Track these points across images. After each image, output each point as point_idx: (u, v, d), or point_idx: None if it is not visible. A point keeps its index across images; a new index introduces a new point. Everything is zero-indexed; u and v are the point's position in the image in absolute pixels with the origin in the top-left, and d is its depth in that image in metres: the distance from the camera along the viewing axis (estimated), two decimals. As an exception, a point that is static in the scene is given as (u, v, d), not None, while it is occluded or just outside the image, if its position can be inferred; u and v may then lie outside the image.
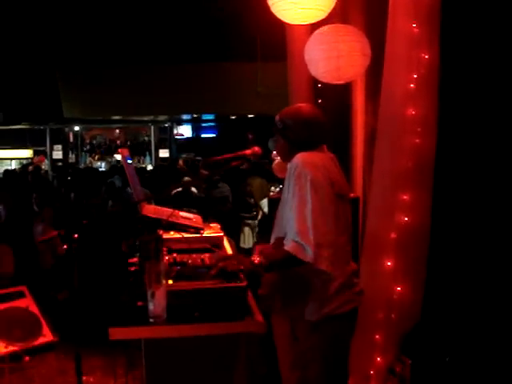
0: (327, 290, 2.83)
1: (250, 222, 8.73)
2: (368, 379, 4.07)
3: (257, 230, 8.54)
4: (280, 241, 2.88)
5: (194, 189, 8.94)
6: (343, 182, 3.00)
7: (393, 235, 3.84)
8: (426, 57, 3.76)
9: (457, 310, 3.90)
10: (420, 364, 3.85)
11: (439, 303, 4.00)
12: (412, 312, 3.96)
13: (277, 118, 3.05)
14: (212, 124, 23.19)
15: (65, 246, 5.38)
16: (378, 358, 4.04)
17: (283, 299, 2.96)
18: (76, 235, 2.70)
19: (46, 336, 5.63)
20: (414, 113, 3.75)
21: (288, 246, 2.76)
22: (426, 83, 3.77)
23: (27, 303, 5.80)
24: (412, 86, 3.75)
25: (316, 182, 2.75)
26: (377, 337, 4.02)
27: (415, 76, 3.76)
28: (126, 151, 3.34)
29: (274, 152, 8.36)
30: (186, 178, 8.96)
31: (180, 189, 8.76)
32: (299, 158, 2.84)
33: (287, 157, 3.00)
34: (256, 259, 2.75)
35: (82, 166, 19.59)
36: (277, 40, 6.08)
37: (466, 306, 3.89)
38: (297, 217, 2.74)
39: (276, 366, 3.28)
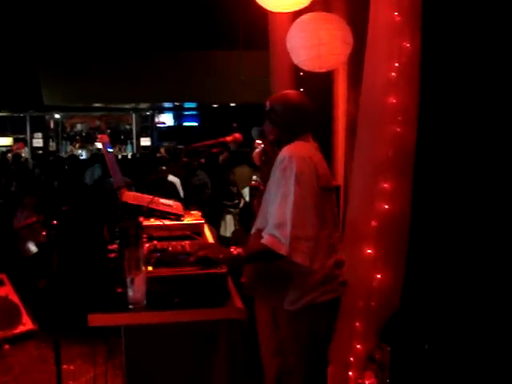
0: (307, 282, 2.84)
1: (232, 210, 8.72)
2: (348, 366, 4.10)
3: (237, 218, 8.54)
4: (260, 232, 2.89)
5: (172, 177, 8.88)
6: (328, 172, 3.01)
7: (373, 223, 3.84)
8: (408, 45, 3.75)
9: (436, 297, 3.93)
10: (399, 351, 3.88)
11: (419, 291, 4.02)
12: (392, 300, 3.97)
13: (266, 102, 3.06)
14: (194, 112, 23.10)
15: (44, 233, 5.33)
16: (358, 346, 4.06)
17: (264, 288, 2.97)
18: (55, 221, 2.68)
19: (26, 324, 5.62)
20: (394, 101, 3.75)
21: (265, 239, 2.77)
22: (407, 72, 3.77)
23: (6, 291, 5.78)
24: (393, 74, 3.75)
25: (300, 175, 2.75)
26: (357, 324, 4.03)
27: (396, 64, 3.76)
28: (105, 137, 3.32)
29: (258, 141, 8.36)
30: (163, 168, 8.90)
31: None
32: (286, 150, 2.85)
33: (275, 141, 3.02)
34: (234, 250, 2.74)
35: (62, 154, 19.42)
36: (260, 28, 6.06)
37: (446, 293, 3.92)
38: (277, 210, 2.76)
39: (257, 352, 3.29)
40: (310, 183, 2.78)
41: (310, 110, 3.05)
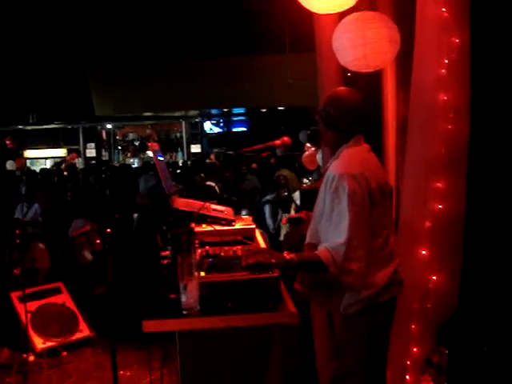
0: (365, 294, 2.82)
1: (284, 215, 8.70)
2: (404, 370, 4.03)
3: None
4: (311, 247, 2.89)
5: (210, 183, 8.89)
6: (382, 176, 2.97)
7: (427, 223, 3.78)
8: (457, 41, 3.68)
9: (494, 298, 3.84)
10: (457, 354, 3.80)
11: (476, 292, 3.93)
12: (448, 301, 3.90)
13: (320, 105, 3.04)
14: (243, 118, 23.18)
15: (98, 241, 5.43)
16: (415, 349, 3.99)
17: (319, 292, 2.94)
18: (109, 230, 2.72)
19: (83, 331, 5.72)
20: (445, 98, 3.68)
21: (320, 250, 2.75)
22: (458, 68, 3.70)
23: (64, 299, 5.90)
24: (443, 71, 3.68)
25: (353, 194, 2.74)
26: (413, 327, 3.97)
27: (446, 61, 3.69)
28: (155, 145, 3.36)
29: (308, 144, 8.35)
30: (201, 175, 8.94)
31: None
32: (335, 168, 2.83)
33: (329, 143, 3.02)
34: (288, 255, 2.73)
35: (115, 163, 19.75)
36: (305, 30, 6.03)
37: (504, 294, 3.82)
38: (334, 230, 2.76)
39: (311, 358, 3.26)
40: (362, 202, 2.76)
41: (362, 106, 2.99)
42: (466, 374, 3.75)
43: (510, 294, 3.80)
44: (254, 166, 10.39)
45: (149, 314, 2.49)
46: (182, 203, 3.11)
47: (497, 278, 3.89)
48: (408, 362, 4.02)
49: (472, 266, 3.93)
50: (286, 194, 8.72)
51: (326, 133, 3.03)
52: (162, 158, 3.45)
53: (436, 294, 3.87)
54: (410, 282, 3.79)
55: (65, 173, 13.00)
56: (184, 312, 2.47)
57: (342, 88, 3.18)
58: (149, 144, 3.28)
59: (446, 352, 3.82)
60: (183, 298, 2.46)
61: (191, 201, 3.19)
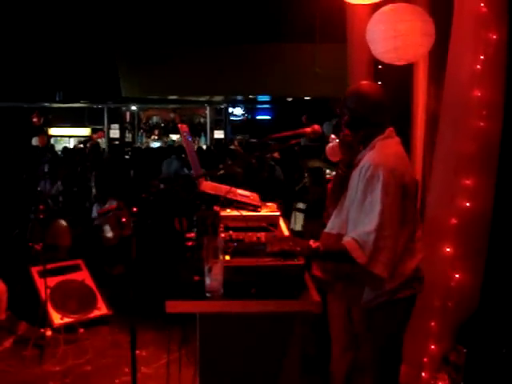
0: (389, 286, 2.79)
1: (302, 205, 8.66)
2: (421, 367, 4.01)
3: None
4: (338, 236, 2.87)
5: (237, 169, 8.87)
6: (413, 176, 2.94)
7: (453, 221, 3.74)
8: (494, 37, 3.64)
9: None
10: (476, 354, 3.77)
11: (498, 292, 3.89)
12: (470, 300, 3.87)
13: (342, 101, 3.00)
14: (267, 106, 23.13)
15: (124, 219, 5.46)
16: (433, 346, 3.98)
17: (340, 284, 2.93)
18: (135, 209, 2.72)
19: (101, 309, 5.76)
20: (479, 95, 3.63)
21: (347, 241, 2.74)
22: (493, 65, 3.65)
23: (83, 276, 5.94)
24: (478, 67, 3.64)
25: (387, 184, 2.71)
26: (432, 324, 3.94)
27: (482, 57, 3.65)
28: (185, 127, 3.34)
29: (332, 135, 8.29)
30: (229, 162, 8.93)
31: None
32: (372, 157, 2.80)
33: (356, 138, 2.96)
34: (313, 244, 2.72)
35: (138, 144, 19.81)
36: (335, 21, 5.99)
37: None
38: (363, 218, 2.72)
39: (325, 347, 3.26)
40: (396, 195, 2.73)
41: (383, 99, 2.95)
42: (483, 374, 3.72)
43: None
44: (277, 155, 10.33)
45: (172, 295, 2.49)
46: (209, 186, 3.09)
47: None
48: (425, 359, 4.00)
49: (495, 267, 3.89)
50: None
51: (355, 129, 2.98)
52: (189, 138, 3.44)
53: (458, 293, 3.85)
54: (433, 279, 3.76)
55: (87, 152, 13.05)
56: (207, 295, 2.47)
57: (363, 82, 3.14)
58: (178, 125, 3.28)
59: (465, 351, 3.80)
60: (207, 281, 2.46)
61: (218, 184, 3.18)
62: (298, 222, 8.67)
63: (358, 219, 2.76)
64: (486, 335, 3.78)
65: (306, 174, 8.38)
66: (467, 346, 3.80)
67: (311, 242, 2.71)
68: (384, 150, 2.85)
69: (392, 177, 2.73)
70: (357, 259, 2.68)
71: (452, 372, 3.88)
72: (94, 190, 7.46)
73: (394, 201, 2.71)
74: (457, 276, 3.81)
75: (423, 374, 4.00)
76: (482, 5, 3.65)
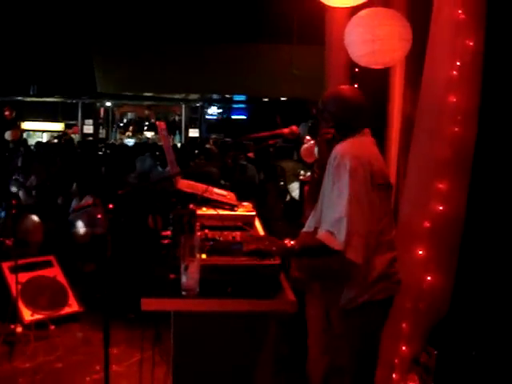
0: (365, 280, 2.81)
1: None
2: (392, 368, 4.05)
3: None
4: (316, 233, 2.87)
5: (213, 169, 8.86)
6: (384, 168, 2.96)
7: (426, 224, 3.78)
8: (471, 44, 3.68)
9: (487, 303, 3.85)
10: (446, 356, 3.81)
11: (469, 295, 3.94)
12: (441, 303, 3.91)
13: (319, 102, 3.02)
14: (243, 106, 23.13)
15: (99, 216, 5.43)
16: (404, 347, 4.01)
17: (318, 284, 2.94)
18: (111, 205, 2.70)
19: (72, 306, 5.72)
20: (455, 100, 3.67)
21: (320, 234, 2.75)
22: (470, 71, 3.69)
23: (55, 273, 5.89)
24: (455, 73, 3.68)
25: (354, 171, 2.72)
26: (403, 325, 3.97)
27: (458, 63, 3.69)
28: (163, 124, 3.34)
29: (307, 137, 8.33)
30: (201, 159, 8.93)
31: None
32: (339, 148, 2.82)
33: (332, 140, 2.97)
34: (289, 243, 2.73)
35: (112, 141, 19.69)
36: (314, 23, 6.02)
37: (497, 300, 3.83)
38: (332, 206, 2.73)
39: (298, 346, 3.27)
40: (363, 179, 2.74)
41: (363, 104, 2.98)
42: (453, 376, 3.76)
43: (503, 300, 3.81)
44: (251, 154, 10.35)
45: (147, 293, 2.49)
46: (186, 185, 3.09)
47: (491, 283, 3.91)
48: (396, 361, 4.03)
49: (467, 270, 3.94)
50: (281, 183, 8.71)
51: (326, 129, 3.00)
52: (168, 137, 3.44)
53: (429, 295, 3.88)
54: (405, 281, 3.77)
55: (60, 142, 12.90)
56: (183, 293, 2.46)
57: (343, 86, 3.18)
58: (156, 123, 3.28)
59: (435, 353, 3.84)
60: (183, 279, 2.46)
61: (194, 183, 3.18)
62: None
63: (328, 209, 2.77)
64: (457, 337, 3.82)
65: (263, 172, 8.41)
66: (438, 347, 3.84)
67: (286, 241, 2.72)
68: (352, 142, 2.88)
69: (359, 164, 2.74)
70: (334, 248, 2.67)
71: (422, 373, 3.91)
72: (74, 186, 7.37)
73: (362, 187, 2.72)
74: (429, 278, 3.85)
75: (394, 375, 4.03)
76: (459, 11, 3.68)
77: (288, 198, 8.52)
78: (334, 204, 2.73)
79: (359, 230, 2.69)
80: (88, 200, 6.30)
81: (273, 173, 8.72)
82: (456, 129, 3.69)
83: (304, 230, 3.05)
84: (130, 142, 19.89)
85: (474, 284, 3.96)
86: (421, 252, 3.84)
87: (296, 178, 8.64)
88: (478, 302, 3.88)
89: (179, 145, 16.70)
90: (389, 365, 4.01)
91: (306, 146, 8.29)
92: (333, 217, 2.71)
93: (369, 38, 4.26)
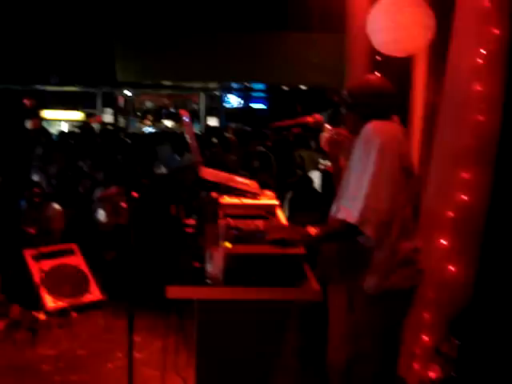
0: (388, 264, 2.79)
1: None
2: (413, 357, 4.04)
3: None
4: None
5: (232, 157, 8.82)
6: (411, 156, 2.95)
7: (450, 214, 3.76)
8: (497, 32, 3.64)
9: (509, 293, 3.83)
10: (468, 346, 3.80)
11: (492, 286, 3.92)
12: (464, 293, 3.89)
13: (345, 92, 3.00)
14: (262, 94, 23.05)
15: (123, 204, 5.46)
16: (425, 337, 4.00)
17: (342, 270, 2.93)
18: (136, 194, 2.72)
19: (94, 294, 5.77)
20: (479, 89, 3.65)
21: (340, 212, 2.74)
22: (495, 59, 3.66)
23: (77, 261, 5.95)
24: (480, 61, 3.65)
25: (383, 149, 2.70)
26: (425, 315, 3.97)
27: (483, 51, 3.66)
28: (185, 112, 3.35)
29: (327, 125, 8.27)
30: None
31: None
32: (372, 125, 2.80)
33: (354, 129, 2.96)
34: (312, 230, 2.73)
35: (131, 130, 19.72)
36: (334, 11, 5.98)
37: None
38: (355, 182, 2.72)
39: (316, 338, 3.27)
40: (391, 159, 2.72)
41: (392, 93, 2.95)
42: (474, 367, 3.75)
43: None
44: (269, 143, 10.31)
45: (172, 281, 2.50)
46: (210, 173, 3.10)
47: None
48: (417, 350, 4.03)
49: (490, 260, 3.92)
50: (300, 173, 8.66)
51: (352, 118, 2.99)
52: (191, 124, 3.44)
53: (452, 285, 3.87)
54: (427, 271, 3.78)
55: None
56: (208, 281, 2.47)
57: (369, 76, 3.16)
58: (180, 111, 3.29)
59: (457, 343, 3.83)
60: (208, 267, 2.47)
61: (218, 171, 3.18)
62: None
63: (351, 184, 2.77)
64: (479, 328, 3.81)
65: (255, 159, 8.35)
66: (460, 338, 3.83)
67: (310, 229, 2.72)
68: (384, 122, 2.86)
69: (389, 143, 2.73)
70: (349, 221, 2.66)
71: (444, 363, 3.91)
72: (101, 174, 7.39)
73: (388, 165, 2.70)
74: (451, 268, 3.84)
75: (415, 364, 4.03)
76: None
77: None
78: (357, 179, 2.72)
79: (377, 207, 2.67)
80: (113, 189, 6.32)
81: (291, 162, 8.68)
82: (480, 117, 3.67)
83: (332, 213, 3.03)
84: (149, 130, 19.94)
85: (496, 274, 3.93)
86: (444, 242, 3.83)
87: (314, 166, 8.60)
88: (500, 293, 3.86)
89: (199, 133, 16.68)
90: (410, 354, 4.01)
91: (326, 134, 8.25)
92: (353, 192, 2.71)
93: (391, 25, 4.23)
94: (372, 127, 2.78)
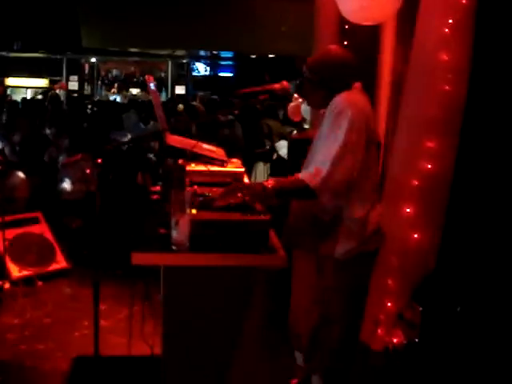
0: (363, 232, 2.83)
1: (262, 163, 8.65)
2: (377, 323, 4.11)
3: (268, 172, 8.47)
4: None
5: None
6: (375, 127, 2.97)
7: (415, 182, 3.81)
8: (463, 2, 3.65)
9: (472, 260, 3.90)
10: (431, 312, 3.87)
11: (455, 253, 3.99)
12: (427, 260, 3.96)
13: (305, 66, 2.97)
14: (230, 63, 22.90)
15: (88, 170, 5.39)
16: (389, 303, 4.07)
17: (313, 238, 2.94)
18: (99, 160, 2.68)
19: (60, 262, 5.72)
20: (446, 58, 3.67)
21: (301, 173, 2.75)
22: (461, 29, 3.68)
23: (41, 229, 5.87)
24: (446, 30, 3.66)
25: (354, 121, 2.70)
26: (389, 282, 4.03)
27: (450, 21, 3.67)
28: (151, 78, 3.30)
29: (295, 95, 8.26)
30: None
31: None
32: (342, 96, 2.79)
33: (320, 104, 2.95)
34: (269, 184, 2.71)
35: (97, 98, 19.46)
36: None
37: (482, 257, 3.88)
38: (325, 149, 2.72)
39: (284, 304, 3.30)
40: (361, 132, 2.73)
41: (352, 62, 2.93)
42: (437, 332, 3.83)
43: (487, 258, 3.86)
44: (236, 112, 10.24)
45: (138, 248, 2.49)
46: (175, 140, 3.07)
47: (476, 241, 3.95)
48: (381, 316, 4.10)
49: (453, 228, 3.98)
50: (268, 142, 8.65)
51: (312, 91, 2.97)
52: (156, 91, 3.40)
53: (416, 252, 3.93)
54: (392, 238, 3.82)
55: (46, 103, 12.75)
56: (174, 247, 2.47)
57: (328, 46, 3.11)
58: (146, 76, 3.23)
59: (420, 309, 3.90)
60: (174, 234, 2.46)
61: (184, 138, 3.16)
62: (259, 177, 8.68)
63: (318, 153, 2.77)
64: (442, 294, 3.88)
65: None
66: (423, 304, 3.90)
67: (266, 183, 2.70)
68: (351, 94, 2.86)
69: (359, 115, 2.74)
70: (310, 184, 2.67)
71: (407, 329, 3.98)
72: (66, 141, 7.29)
73: (357, 137, 2.71)
74: (415, 236, 3.89)
75: (379, 330, 4.09)
76: (451, -32, 3.65)
77: (275, 156, 8.47)
78: (326, 148, 2.72)
79: (338, 176, 2.68)
80: (78, 155, 6.24)
81: (259, 131, 8.65)
82: (446, 87, 3.70)
83: None
84: (116, 98, 19.69)
85: (459, 242, 4.00)
86: (408, 210, 3.88)
87: (281, 136, 8.59)
88: (463, 260, 3.93)
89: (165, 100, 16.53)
90: (373, 320, 4.07)
91: (292, 104, 8.24)
92: (320, 158, 2.71)
93: (357, -8, 4.20)
94: (343, 99, 2.77)
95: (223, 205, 2.62)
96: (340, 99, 2.78)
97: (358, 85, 2.91)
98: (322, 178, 2.66)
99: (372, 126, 2.85)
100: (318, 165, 2.70)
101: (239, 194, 2.67)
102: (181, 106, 11.11)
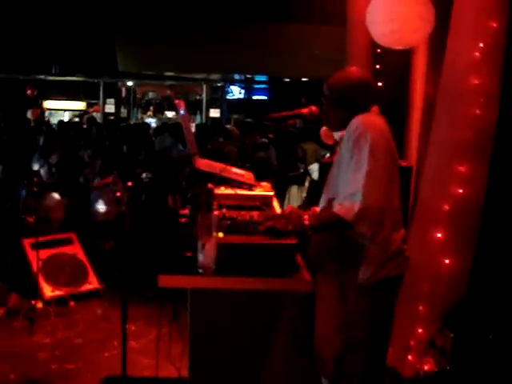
0: (384, 256, 2.81)
1: (295, 185, 8.66)
2: (407, 350, 4.06)
3: (304, 195, 8.47)
4: (330, 202, 2.86)
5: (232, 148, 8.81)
6: (395, 148, 2.95)
7: (446, 207, 3.77)
8: (494, 25, 3.64)
9: (504, 287, 3.84)
10: (462, 339, 3.81)
11: (487, 279, 3.93)
12: (458, 286, 3.91)
13: (324, 86, 2.99)
14: (264, 86, 23.03)
15: (118, 194, 5.46)
16: (420, 330, 4.02)
17: (336, 263, 2.93)
18: (130, 183, 2.73)
19: (92, 283, 5.79)
20: (477, 82, 3.65)
21: (336, 208, 2.74)
22: (492, 53, 3.66)
23: (75, 250, 5.96)
24: (477, 54, 3.65)
25: (376, 145, 2.68)
26: (420, 308, 3.99)
27: (481, 45, 3.65)
28: (182, 103, 3.34)
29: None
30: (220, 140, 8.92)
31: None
32: (361, 119, 2.78)
33: (339, 125, 2.94)
34: (306, 219, 2.72)
35: (133, 120, 19.73)
36: (336, 3, 5.96)
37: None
38: (351, 179, 2.71)
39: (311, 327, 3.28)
40: (384, 156, 2.72)
41: (371, 84, 2.94)
42: (469, 359, 3.76)
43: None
44: (271, 136, 10.29)
45: (165, 270, 2.51)
46: (204, 164, 3.10)
47: (508, 267, 3.89)
48: (412, 342, 4.04)
49: (484, 253, 3.93)
50: (302, 166, 8.66)
51: (331, 111, 2.97)
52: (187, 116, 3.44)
53: (446, 278, 3.89)
54: (422, 263, 3.81)
55: (84, 126, 12.99)
56: (200, 270, 2.48)
57: (351, 67, 3.12)
58: (176, 101, 3.28)
59: (451, 335, 3.84)
60: (200, 257, 2.47)
61: (213, 162, 3.18)
62: (292, 202, 8.69)
63: (345, 182, 2.75)
64: (473, 320, 3.82)
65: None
66: (454, 330, 3.84)
67: (304, 218, 2.71)
68: (370, 116, 2.85)
69: (380, 138, 2.72)
70: (347, 219, 2.65)
71: (438, 356, 3.92)
72: (98, 164, 7.41)
73: (380, 162, 2.69)
74: (446, 261, 3.85)
75: (409, 356, 4.04)
76: (483, -8, 3.65)
77: (309, 179, 8.47)
78: (352, 177, 2.70)
79: (373, 206, 2.67)
80: (109, 178, 6.32)
81: (293, 154, 8.67)
82: (477, 111, 3.67)
83: (321, 203, 3.03)
84: (152, 121, 19.93)
85: (491, 267, 3.94)
86: (439, 235, 3.84)
87: (317, 160, 8.59)
88: (495, 286, 3.87)
89: (194, 125, 16.68)
90: (404, 346, 4.02)
91: (325, 127, 8.25)
92: (349, 190, 2.69)
93: (389, 17, 4.22)
94: (361, 122, 2.76)
95: (268, 227, 2.62)
96: (358, 121, 2.77)
97: (375, 108, 2.91)
98: (359, 210, 2.64)
99: (393, 147, 2.84)
100: (350, 198, 2.68)
101: (283, 221, 2.68)
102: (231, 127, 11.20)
